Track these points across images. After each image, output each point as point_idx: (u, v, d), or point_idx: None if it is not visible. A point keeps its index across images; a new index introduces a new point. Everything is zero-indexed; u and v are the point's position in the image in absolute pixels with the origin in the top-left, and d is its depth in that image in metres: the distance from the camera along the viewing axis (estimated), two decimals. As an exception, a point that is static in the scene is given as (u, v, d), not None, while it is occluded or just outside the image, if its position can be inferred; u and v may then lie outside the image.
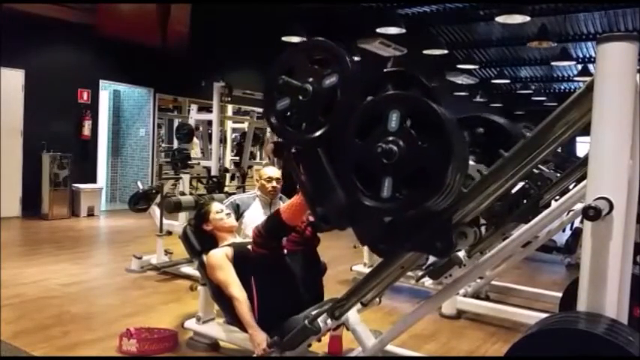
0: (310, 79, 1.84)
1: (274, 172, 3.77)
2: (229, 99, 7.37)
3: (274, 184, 3.67)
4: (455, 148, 1.56)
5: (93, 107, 8.84)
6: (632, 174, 1.54)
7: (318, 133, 1.82)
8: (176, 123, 11.27)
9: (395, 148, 1.59)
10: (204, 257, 2.91)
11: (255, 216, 3.62)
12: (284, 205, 2.57)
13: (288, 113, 1.93)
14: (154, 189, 5.48)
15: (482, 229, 2.91)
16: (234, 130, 12.48)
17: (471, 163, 1.88)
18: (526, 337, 1.44)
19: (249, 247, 2.88)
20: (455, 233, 1.79)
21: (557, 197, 3.05)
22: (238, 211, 3.58)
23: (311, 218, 2.65)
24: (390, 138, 1.61)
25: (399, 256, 2.05)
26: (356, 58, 9.96)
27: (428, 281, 3.85)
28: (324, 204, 1.95)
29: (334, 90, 1.80)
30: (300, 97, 1.85)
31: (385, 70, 2.09)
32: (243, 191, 8.45)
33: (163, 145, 12.34)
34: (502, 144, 1.89)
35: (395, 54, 11.31)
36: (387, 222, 1.84)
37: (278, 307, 2.60)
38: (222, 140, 8.80)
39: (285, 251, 2.73)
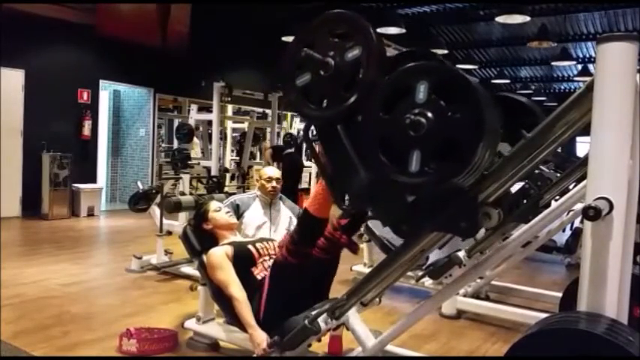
0: (332, 53, 1.78)
1: (274, 172, 3.78)
2: (229, 99, 7.38)
3: (274, 184, 3.68)
4: (487, 120, 1.49)
5: (93, 107, 8.83)
6: (632, 174, 1.54)
7: (340, 109, 1.75)
8: (176, 123, 11.27)
9: (423, 119, 1.53)
10: (204, 257, 2.91)
11: (255, 216, 3.63)
12: (308, 200, 2.47)
13: (309, 89, 1.85)
14: (154, 189, 5.48)
15: (482, 229, 2.92)
16: (234, 130, 12.49)
17: None
18: (526, 337, 1.44)
19: (249, 246, 2.88)
20: (480, 213, 1.73)
21: (557, 197, 3.04)
22: (238, 212, 3.58)
23: (342, 221, 2.49)
24: (418, 110, 1.55)
25: (420, 238, 1.97)
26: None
27: (428, 281, 3.85)
28: (345, 184, 1.89)
29: (357, 64, 1.74)
30: (322, 72, 1.78)
31: (402, 51, 1.97)
32: (244, 191, 8.45)
33: (163, 145, 12.35)
34: (524, 122, 1.83)
35: (395, 54, 11.31)
36: (410, 201, 1.76)
37: (286, 313, 2.53)
38: (223, 138, 8.78)
39: (313, 257, 2.55)
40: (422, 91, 1.56)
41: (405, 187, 1.67)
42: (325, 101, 1.82)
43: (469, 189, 1.67)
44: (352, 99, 1.74)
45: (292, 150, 9.41)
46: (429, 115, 1.54)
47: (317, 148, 2.05)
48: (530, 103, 2.32)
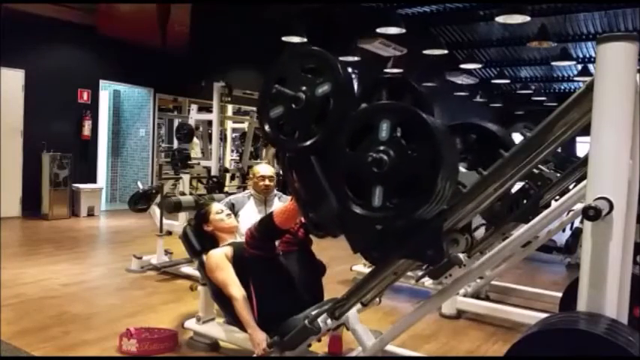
0: (303, 88, 1.85)
1: (267, 170, 3.79)
2: (229, 99, 7.36)
3: (267, 182, 3.70)
4: (444, 157, 1.57)
5: (93, 107, 8.84)
6: (632, 174, 1.54)
7: (310, 142, 1.83)
8: (176, 123, 11.27)
9: (385, 157, 1.61)
10: (204, 257, 2.92)
11: (250, 215, 3.64)
12: (277, 209, 2.58)
13: (282, 122, 1.94)
14: (154, 189, 5.48)
15: (483, 229, 2.92)
16: (234, 130, 12.48)
17: (462, 170, 1.89)
18: (526, 337, 1.44)
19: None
20: (446, 240, 1.80)
21: (557, 197, 3.05)
22: (233, 210, 3.59)
23: (303, 219, 2.65)
24: (381, 147, 1.63)
25: (391, 263, 2.06)
26: (356, 58, 9.84)
27: (428, 281, 3.85)
28: (317, 211, 1.97)
29: (327, 98, 1.81)
30: (293, 106, 1.85)
31: (379, 76, 2.11)
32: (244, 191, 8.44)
33: (163, 145, 12.34)
34: (494, 150, 1.91)
35: (395, 54, 11.32)
36: (379, 230, 1.84)
37: (277, 307, 2.60)
38: (223, 139, 8.77)
39: (280, 252, 2.74)
40: (384, 130, 1.64)
41: (370, 221, 1.73)
42: (297, 133, 1.89)
43: (433, 219, 1.73)
44: (321, 134, 1.81)
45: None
46: (391, 152, 1.61)
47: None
48: (500, 132, 2.36)
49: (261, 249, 2.64)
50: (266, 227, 2.58)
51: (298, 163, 2.00)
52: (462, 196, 1.78)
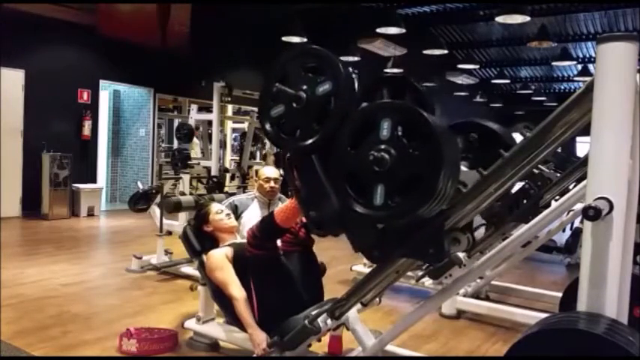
0: (304, 87, 1.85)
1: (273, 172, 3.77)
2: (229, 99, 7.37)
3: (272, 184, 3.68)
4: (445, 155, 1.57)
5: (93, 107, 8.85)
6: (632, 174, 1.54)
7: (311, 141, 1.84)
8: (176, 123, 11.27)
9: (386, 156, 1.61)
10: (204, 257, 2.92)
11: (253, 217, 3.61)
12: (278, 208, 2.60)
13: (283, 120, 1.94)
14: (154, 189, 5.48)
15: (482, 229, 2.92)
16: (234, 130, 12.47)
17: (464, 169, 1.88)
18: (526, 337, 1.44)
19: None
20: (447, 239, 1.80)
21: (557, 197, 3.04)
22: (236, 212, 3.58)
23: (304, 219, 2.65)
24: (382, 146, 1.63)
25: (392, 262, 2.06)
26: (356, 58, 9.83)
27: (428, 281, 3.85)
28: (318, 209, 1.97)
29: (328, 97, 1.81)
30: (294, 105, 1.86)
31: (380, 75, 2.11)
32: (244, 191, 8.45)
33: (163, 145, 12.34)
34: (495, 149, 1.91)
35: (395, 54, 11.33)
36: (380, 228, 1.85)
37: (277, 307, 2.60)
38: (223, 146, 8.74)
39: (281, 252, 2.75)
40: (385, 128, 1.64)
41: (371, 220, 1.74)
42: (298, 132, 1.89)
43: (434, 218, 1.73)
44: (322, 132, 1.82)
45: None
46: (392, 151, 1.62)
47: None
48: (501, 130, 2.36)
49: (263, 248, 2.65)
50: (267, 226, 2.60)
51: (299, 162, 2.01)
52: (463, 195, 1.78)
